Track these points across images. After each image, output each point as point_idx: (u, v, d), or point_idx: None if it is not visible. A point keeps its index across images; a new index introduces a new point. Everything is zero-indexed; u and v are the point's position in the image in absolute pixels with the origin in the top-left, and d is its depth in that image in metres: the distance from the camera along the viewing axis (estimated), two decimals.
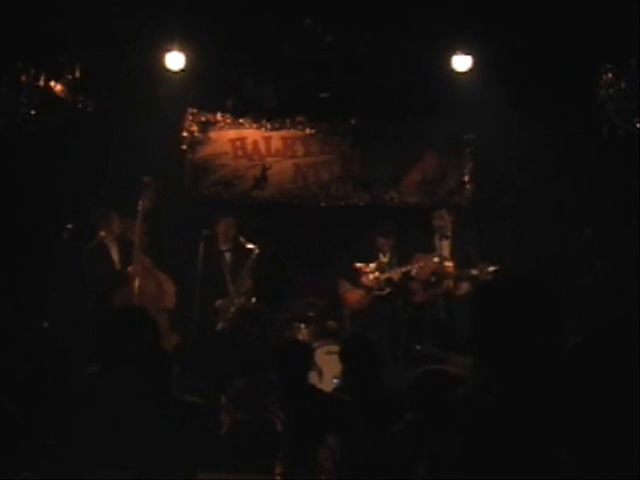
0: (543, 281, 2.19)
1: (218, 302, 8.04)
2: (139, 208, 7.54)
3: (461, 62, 8.23)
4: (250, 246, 8.05)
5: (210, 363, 7.09)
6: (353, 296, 8.29)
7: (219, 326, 7.99)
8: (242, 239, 8.07)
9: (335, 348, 7.68)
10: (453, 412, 3.73)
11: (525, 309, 2.12)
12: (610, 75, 7.32)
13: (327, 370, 7.48)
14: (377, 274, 8.20)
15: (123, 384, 3.00)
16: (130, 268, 7.56)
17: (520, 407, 2.06)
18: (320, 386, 7.31)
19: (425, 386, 4.13)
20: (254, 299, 8.14)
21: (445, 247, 8.13)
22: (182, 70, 8.28)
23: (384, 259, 8.29)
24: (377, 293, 8.19)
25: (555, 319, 2.11)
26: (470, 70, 8.24)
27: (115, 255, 7.71)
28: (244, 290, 8.12)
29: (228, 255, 8.22)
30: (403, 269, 8.12)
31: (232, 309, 8.05)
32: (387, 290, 8.18)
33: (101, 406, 3.00)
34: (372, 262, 8.24)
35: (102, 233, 7.70)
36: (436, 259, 7.97)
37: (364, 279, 8.21)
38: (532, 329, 2.09)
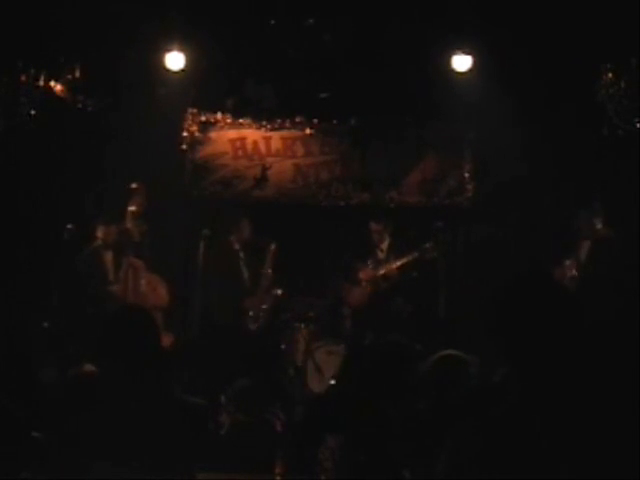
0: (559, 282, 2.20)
1: (246, 301, 8.05)
2: (128, 213, 7.64)
3: (461, 62, 8.23)
4: (265, 240, 8.12)
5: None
6: (353, 295, 8.31)
7: (253, 326, 8.01)
8: (254, 236, 8.17)
9: (335, 348, 7.71)
10: (468, 407, 3.73)
11: (547, 307, 2.12)
12: (610, 75, 7.31)
13: (327, 370, 7.49)
14: (373, 269, 8.23)
15: (123, 384, 3.00)
16: (120, 272, 7.65)
17: (544, 406, 2.06)
18: (320, 386, 7.36)
19: (443, 373, 4.11)
20: (279, 291, 8.17)
21: None
22: (182, 70, 8.28)
23: (381, 255, 8.31)
24: (375, 288, 8.21)
25: (575, 316, 2.12)
26: (470, 70, 8.24)
27: (109, 261, 7.78)
28: (268, 283, 8.16)
29: (243, 254, 8.26)
30: (398, 262, 8.15)
31: (263, 306, 8.08)
32: (384, 285, 8.20)
33: (101, 406, 3.00)
34: (369, 257, 8.29)
35: (99, 240, 7.75)
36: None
37: (361, 274, 8.24)
38: (554, 327, 2.10)
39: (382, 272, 8.20)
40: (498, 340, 2.17)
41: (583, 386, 2.10)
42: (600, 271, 7.26)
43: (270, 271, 8.20)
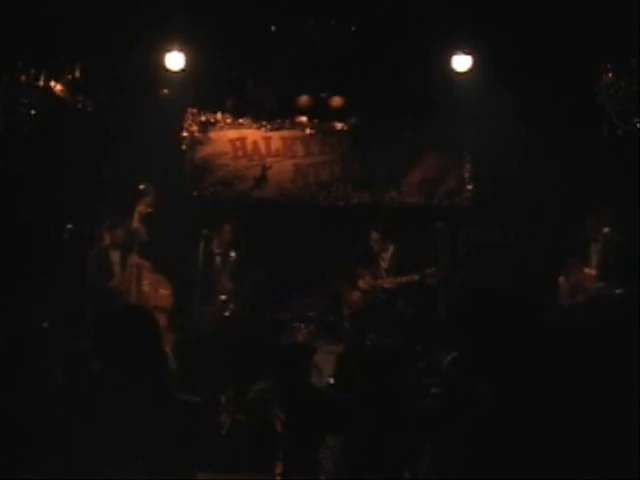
0: (510, 291, 2.31)
1: (204, 307, 8.07)
2: (135, 214, 7.63)
3: (461, 62, 8.24)
4: (231, 252, 8.15)
5: (199, 365, 7.17)
6: (352, 298, 8.29)
7: (204, 330, 8.02)
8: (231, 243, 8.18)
9: (335, 348, 7.69)
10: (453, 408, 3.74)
11: (500, 318, 2.20)
12: (610, 75, 7.31)
13: (327, 370, 7.47)
14: (373, 279, 8.20)
15: (123, 384, 3.00)
16: (126, 272, 7.65)
17: (519, 408, 2.09)
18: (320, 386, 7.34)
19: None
20: (232, 305, 8.15)
21: None
22: (182, 70, 8.28)
23: (383, 265, 8.26)
24: (373, 298, 8.19)
25: (528, 324, 2.19)
26: (470, 70, 8.24)
27: (116, 261, 7.79)
28: (224, 293, 8.15)
29: (218, 259, 8.27)
30: (398, 280, 8.09)
31: (218, 314, 8.08)
32: (382, 296, 8.17)
33: (101, 406, 3.00)
34: (371, 264, 8.25)
35: (106, 241, 7.76)
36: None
37: (361, 283, 8.22)
38: (511, 333, 2.17)
39: (381, 285, 8.17)
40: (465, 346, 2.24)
41: (557, 390, 2.13)
42: (612, 272, 7.20)
43: (228, 281, 8.19)
